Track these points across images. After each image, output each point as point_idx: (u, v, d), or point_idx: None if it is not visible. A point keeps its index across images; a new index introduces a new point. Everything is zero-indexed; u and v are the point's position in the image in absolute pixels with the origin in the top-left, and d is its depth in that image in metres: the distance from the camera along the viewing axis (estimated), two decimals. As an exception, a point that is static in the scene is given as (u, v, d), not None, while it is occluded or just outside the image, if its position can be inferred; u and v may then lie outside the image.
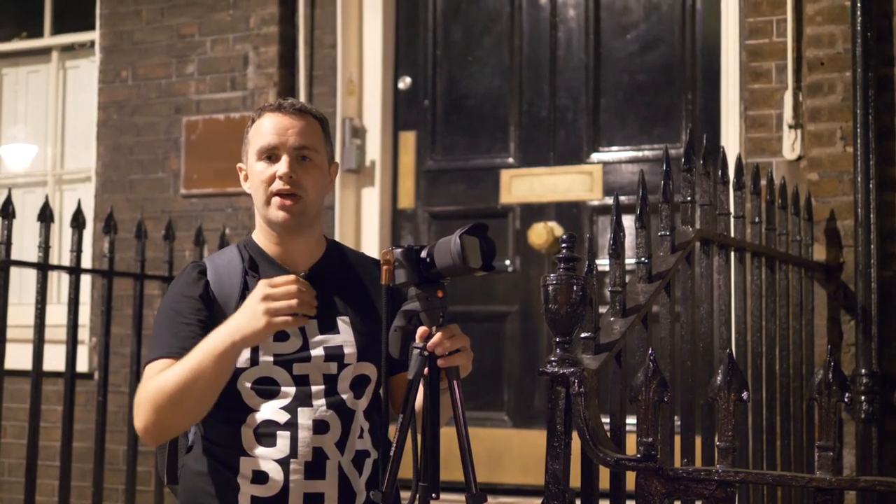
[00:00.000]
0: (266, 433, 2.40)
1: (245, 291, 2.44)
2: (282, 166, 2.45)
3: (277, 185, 2.44)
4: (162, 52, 5.28)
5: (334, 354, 2.44)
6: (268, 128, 2.48)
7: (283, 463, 2.39)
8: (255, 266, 2.50)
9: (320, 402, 2.42)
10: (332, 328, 2.47)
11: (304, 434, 2.40)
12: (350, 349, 2.46)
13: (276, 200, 2.45)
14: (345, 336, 2.47)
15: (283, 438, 2.40)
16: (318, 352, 2.44)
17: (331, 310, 2.48)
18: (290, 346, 2.42)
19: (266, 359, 2.41)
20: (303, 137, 2.48)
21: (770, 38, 4.30)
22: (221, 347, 2.27)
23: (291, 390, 2.41)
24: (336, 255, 2.59)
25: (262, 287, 2.25)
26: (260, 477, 2.40)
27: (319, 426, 2.41)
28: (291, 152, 2.46)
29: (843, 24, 4.09)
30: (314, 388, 2.42)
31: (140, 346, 4.13)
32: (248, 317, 2.25)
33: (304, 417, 2.40)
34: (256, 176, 2.48)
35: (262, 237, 2.54)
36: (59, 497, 3.79)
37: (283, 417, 2.40)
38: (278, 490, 2.39)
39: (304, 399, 2.41)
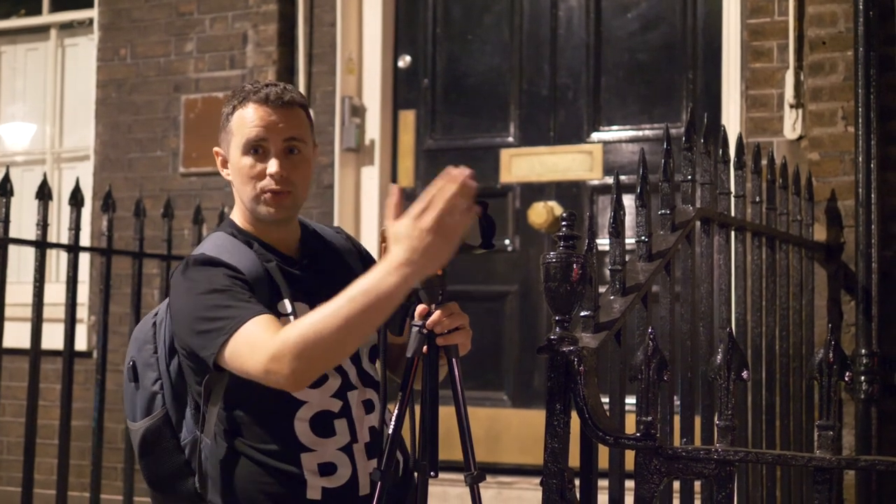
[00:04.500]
0: (323, 424, 2.37)
1: (271, 278, 2.37)
2: (272, 165, 2.38)
3: (268, 183, 2.38)
4: (161, 30, 5.26)
5: None
6: (253, 121, 2.39)
7: (347, 450, 2.38)
8: (265, 251, 2.44)
9: (358, 382, 2.42)
10: None
11: (358, 417, 2.40)
12: None
13: (266, 197, 2.39)
14: None
15: (340, 425, 2.38)
16: None
17: (331, 287, 2.45)
18: None
19: None
20: (291, 131, 2.40)
21: (772, 16, 4.28)
22: (388, 286, 2.03)
23: (336, 375, 2.39)
24: (311, 232, 2.55)
25: (409, 218, 2.02)
26: (327, 468, 2.37)
27: (368, 406, 2.42)
28: (281, 147, 2.39)
29: (845, 2, 4.07)
30: (349, 370, 2.41)
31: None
32: (408, 240, 2.01)
33: (354, 400, 2.40)
34: (243, 171, 2.40)
35: (246, 224, 2.46)
36: (58, 475, 3.79)
37: (336, 405, 2.38)
38: (349, 477, 2.37)
39: (347, 382, 2.40)
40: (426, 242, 2.00)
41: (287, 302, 2.37)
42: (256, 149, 2.39)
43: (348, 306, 2.08)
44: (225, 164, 2.48)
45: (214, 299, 2.28)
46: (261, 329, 2.20)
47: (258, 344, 2.18)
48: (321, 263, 2.47)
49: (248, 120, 2.40)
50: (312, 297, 2.37)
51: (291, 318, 2.32)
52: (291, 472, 2.35)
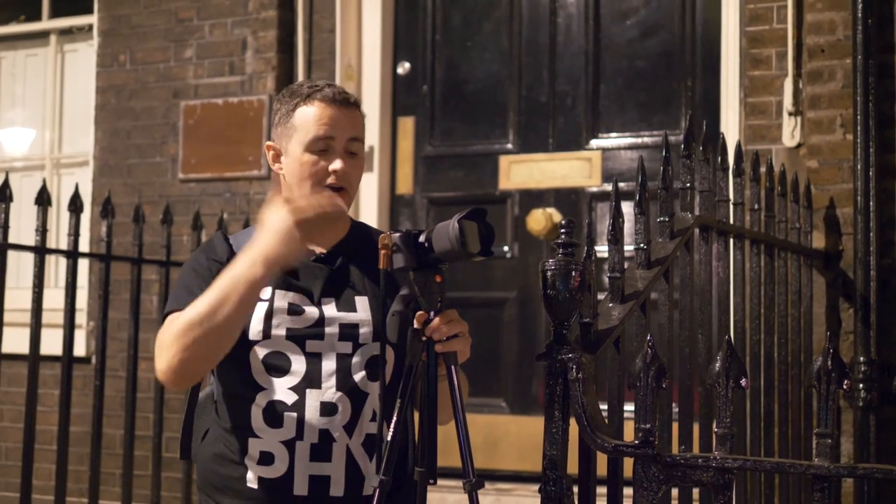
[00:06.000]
0: (274, 414, 2.39)
1: None
2: (338, 163, 2.43)
3: (330, 180, 2.43)
4: (160, 37, 5.26)
5: (349, 334, 2.42)
6: (321, 118, 2.44)
7: (289, 444, 2.39)
8: None
9: (330, 384, 2.40)
10: (350, 306, 2.45)
11: (310, 416, 2.39)
12: (366, 329, 2.43)
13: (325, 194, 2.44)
14: (362, 315, 2.44)
15: (289, 419, 2.39)
16: (332, 329, 2.41)
17: (350, 288, 2.46)
18: (305, 320, 2.40)
19: (278, 333, 2.39)
20: (354, 131, 2.47)
21: (770, 24, 4.29)
22: (249, 271, 2.22)
23: (302, 369, 2.40)
24: (359, 233, 2.54)
25: (277, 200, 2.24)
26: (266, 458, 2.39)
27: (327, 408, 2.40)
28: (345, 146, 2.45)
29: (844, 10, 4.07)
30: (325, 369, 2.40)
31: (138, 331, 4.13)
32: (274, 230, 2.23)
33: (312, 399, 2.39)
34: (304, 167, 2.44)
35: None
36: (56, 481, 3.79)
37: (290, 398, 2.39)
38: (284, 471, 2.38)
39: (313, 380, 2.40)
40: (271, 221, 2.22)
41: (269, 289, 2.40)
42: (324, 147, 2.44)
43: (211, 293, 2.24)
44: (277, 158, 2.52)
45: (186, 278, 2.43)
46: (167, 322, 2.33)
47: (160, 333, 2.33)
48: (351, 261, 2.49)
49: (315, 118, 2.45)
50: (304, 289, 2.44)
51: (266, 303, 2.40)
52: (238, 456, 2.42)
